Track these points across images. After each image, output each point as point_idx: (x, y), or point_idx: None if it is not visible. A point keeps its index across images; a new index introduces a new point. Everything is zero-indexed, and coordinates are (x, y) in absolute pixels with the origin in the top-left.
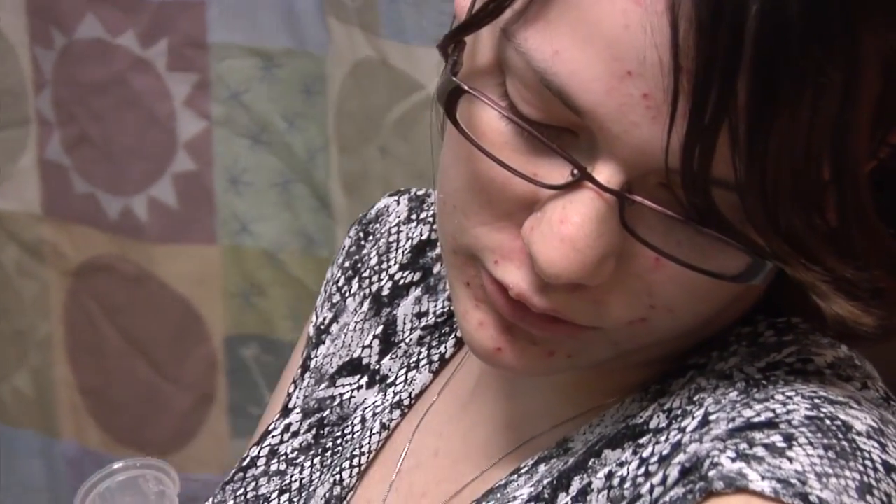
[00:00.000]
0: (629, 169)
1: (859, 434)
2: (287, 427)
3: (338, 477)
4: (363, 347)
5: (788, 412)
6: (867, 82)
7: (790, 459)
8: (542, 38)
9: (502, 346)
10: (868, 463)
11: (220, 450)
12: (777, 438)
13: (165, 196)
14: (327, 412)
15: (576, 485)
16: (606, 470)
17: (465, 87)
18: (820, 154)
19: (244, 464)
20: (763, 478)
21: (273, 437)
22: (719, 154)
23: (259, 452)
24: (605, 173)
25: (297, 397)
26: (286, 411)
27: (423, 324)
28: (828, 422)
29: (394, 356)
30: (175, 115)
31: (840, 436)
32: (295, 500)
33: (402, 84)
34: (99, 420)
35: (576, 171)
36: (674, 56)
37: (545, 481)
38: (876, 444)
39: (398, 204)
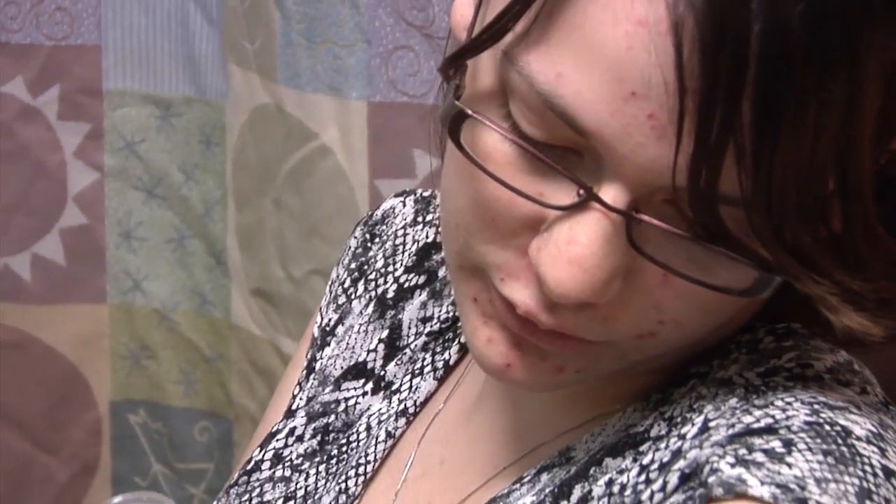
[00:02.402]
0: (635, 188)
1: (859, 439)
2: (292, 431)
3: (343, 485)
4: (368, 351)
5: (788, 418)
6: (869, 95)
7: (789, 465)
8: (545, 60)
9: (511, 362)
10: (868, 468)
11: None
12: (776, 444)
13: (52, 253)
14: (332, 418)
15: (577, 493)
16: (607, 478)
17: (469, 112)
18: (824, 168)
19: (248, 467)
20: (762, 483)
21: (278, 440)
22: (725, 172)
23: (263, 456)
24: (611, 193)
25: (302, 399)
26: (290, 413)
27: (427, 329)
28: (827, 427)
29: (399, 362)
30: (65, 166)
31: (839, 441)
32: None
33: (296, 132)
34: None
35: (582, 192)
36: (678, 77)
37: (547, 490)
38: (875, 449)
39: (404, 206)
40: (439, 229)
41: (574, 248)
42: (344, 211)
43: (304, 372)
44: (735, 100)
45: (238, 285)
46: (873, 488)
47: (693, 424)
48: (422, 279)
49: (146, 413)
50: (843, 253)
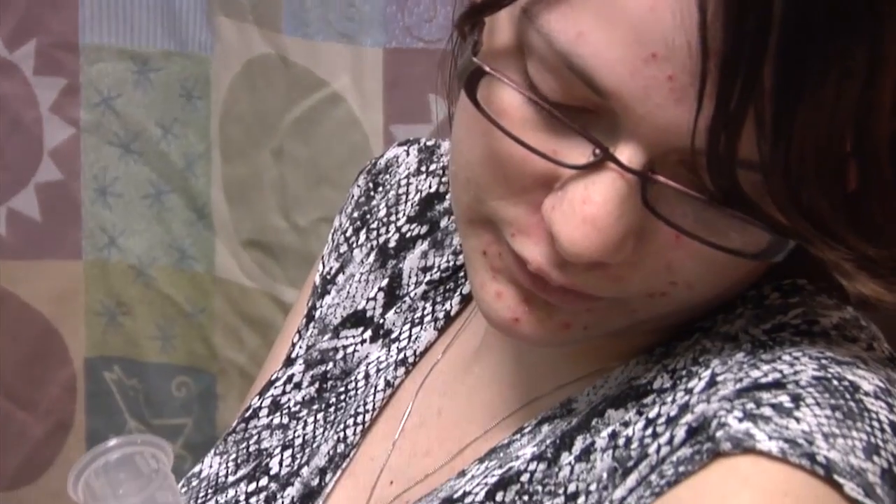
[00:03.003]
0: (651, 149)
1: (867, 394)
2: (290, 378)
3: (341, 434)
4: (368, 300)
5: (796, 373)
6: (890, 62)
7: (797, 420)
8: (566, 19)
9: (520, 316)
10: (875, 423)
11: None
12: (784, 399)
13: (27, 208)
14: (330, 365)
15: (579, 444)
16: (610, 430)
17: (487, 69)
18: (843, 133)
19: (247, 414)
20: (770, 438)
21: (276, 387)
22: (744, 136)
23: (261, 403)
24: (628, 153)
25: (301, 347)
26: (289, 362)
27: (428, 278)
28: (835, 382)
29: (398, 310)
30: (41, 121)
31: (847, 396)
32: (298, 456)
33: (303, 82)
34: None
35: (598, 152)
36: (702, 39)
37: (548, 441)
38: (883, 405)
39: (408, 155)
40: (444, 180)
41: (589, 208)
42: (357, 158)
43: (304, 320)
44: (757, 65)
45: (224, 238)
46: (881, 444)
47: (700, 379)
48: (424, 229)
49: (121, 370)
50: (859, 218)
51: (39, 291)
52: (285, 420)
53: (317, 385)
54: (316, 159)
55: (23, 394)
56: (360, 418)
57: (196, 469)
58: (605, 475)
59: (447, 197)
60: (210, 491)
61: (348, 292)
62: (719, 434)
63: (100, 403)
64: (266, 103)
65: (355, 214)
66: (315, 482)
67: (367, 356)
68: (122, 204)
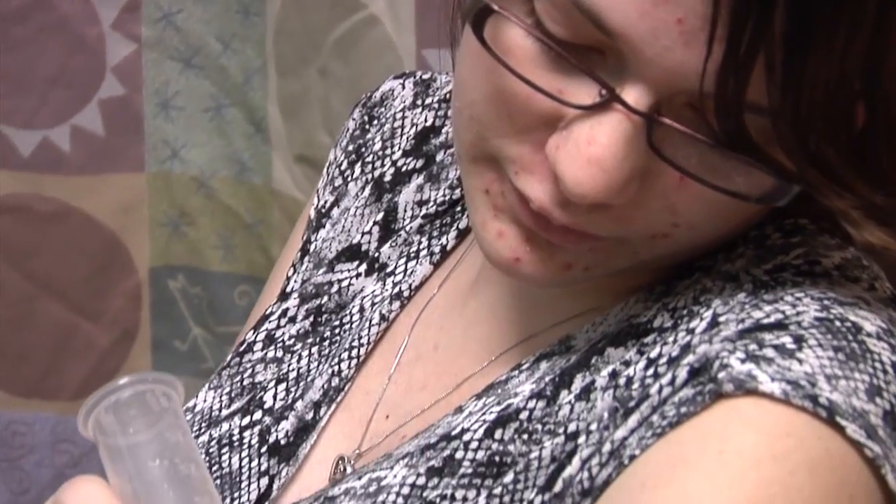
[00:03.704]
0: (658, 91)
1: (869, 335)
2: (284, 312)
3: (336, 368)
4: (363, 233)
5: (798, 313)
6: None
7: (800, 361)
8: None
9: (521, 256)
10: (878, 365)
11: None
12: (787, 340)
13: (91, 124)
14: (325, 299)
15: (578, 382)
16: (610, 368)
17: (495, 7)
18: (852, 78)
19: (241, 349)
20: (773, 379)
21: (270, 321)
22: (753, 80)
23: (256, 337)
24: (634, 95)
25: (296, 281)
26: (284, 295)
27: (423, 212)
28: (838, 323)
29: (393, 244)
30: (103, 38)
31: (850, 337)
32: (292, 389)
33: (344, 2)
34: None
35: (604, 92)
36: None
37: (547, 378)
38: (886, 346)
39: (403, 88)
40: (440, 114)
41: (594, 149)
42: None
43: (299, 254)
44: (768, 9)
45: (280, 152)
46: (883, 385)
47: (702, 319)
48: (419, 163)
49: (185, 278)
50: (867, 164)
51: (104, 205)
52: (279, 354)
53: (311, 319)
54: (355, 79)
55: (89, 305)
56: (354, 352)
57: (190, 403)
58: (605, 415)
59: (443, 131)
60: (204, 425)
61: (343, 226)
62: (721, 375)
63: (165, 312)
64: (313, 22)
65: (350, 148)
66: (309, 416)
67: (361, 290)
68: (184, 117)
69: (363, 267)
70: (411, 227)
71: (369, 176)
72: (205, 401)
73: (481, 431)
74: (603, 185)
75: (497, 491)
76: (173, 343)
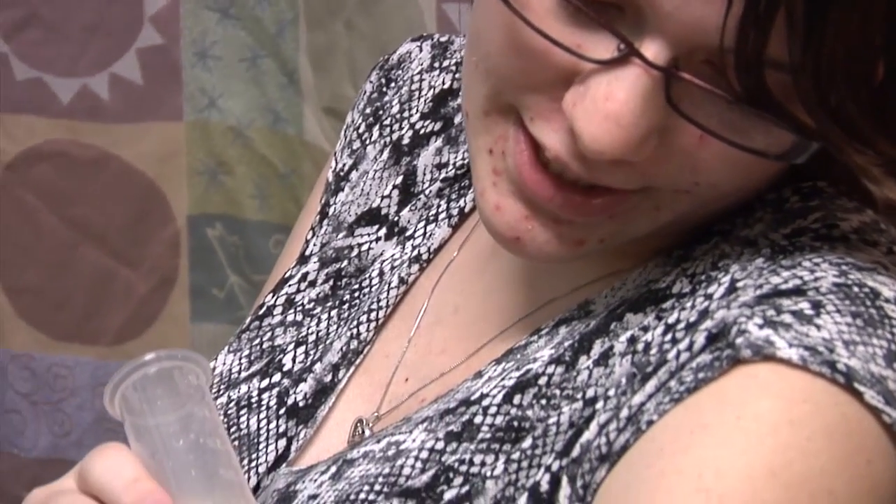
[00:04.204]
0: (677, 46)
1: (887, 301)
2: (304, 276)
3: (355, 331)
4: (382, 197)
5: (816, 279)
6: None
7: (818, 327)
8: None
9: (521, 235)
10: None
11: (180, 335)
12: (805, 305)
13: (129, 72)
14: (345, 263)
15: (597, 348)
16: (629, 334)
17: None
18: (874, 33)
19: (260, 312)
20: (791, 345)
21: (290, 285)
22: (774, 35)
23: (276, 301)
24: (653, 50)
25: (315, 245)
26: (303, 259)
27: (442, 175)
28: (856, 289)
29: (413, 208)
30: None
31: (868, 303)
32: (311, 352)
33: None
34: (30, 319)
35: (622, 47)
36: None
37: (566, 343)
38: None
39: (420, 51)
40: (457, 76)
41: (611, 105)
42: (413, 33)
43: (318, 217)
44: None
45: (310, 104)
46: None
47: (720, 284)
48: (437, 126)
49: (223, 226)
50: (888, 121)
51: (142, 153)
52: (299, 317)
53: (331, 283)
54: (377, 33)
55: (128, 252)
56: (373, 315)
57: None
58: (623, 380)
59: (461, 93)
60: (223, 387)
61: (362, 189)
62: (739, 341)
63: (203, 259)
64: None
65: (368, 111)
66: (328, 378)
67: (381, 254)
68: (221, 67)
69: (383, 231)
70: (430, 191)
71: (388, 139)
72: (224, 363)
73: (500, 397)
74: (620, 141)
75: (515, 456)
76: (211, 290)
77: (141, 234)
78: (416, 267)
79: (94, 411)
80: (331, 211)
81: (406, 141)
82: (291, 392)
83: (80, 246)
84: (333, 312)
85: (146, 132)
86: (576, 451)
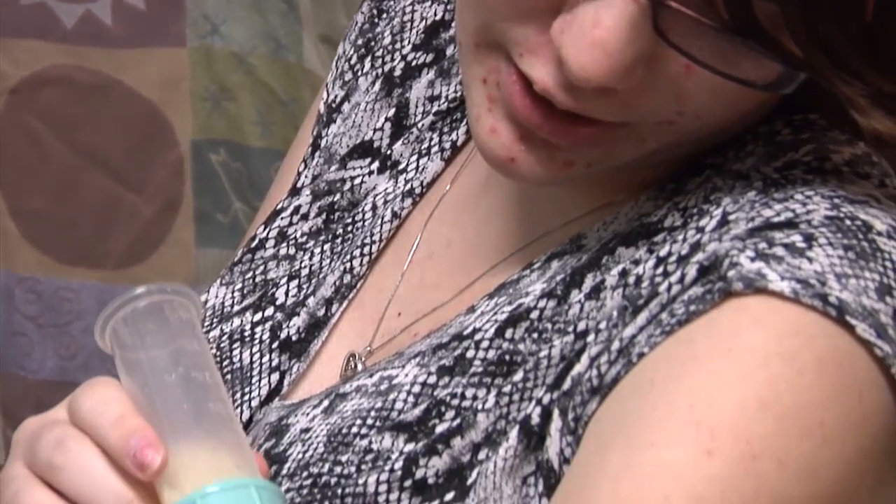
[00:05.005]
0: None
1: (879, 234)
2: (297, 209)
3: (348, 265)
4: (374, 130)
5: (808, 212)
6: None
7: (810, 260)
8: None
9: (515, 155)
10: (888, 264)
11: (185, 260)
12: (797, 238)
13: None
14: (337, 196)
15: (589, 282)
16: (620, 267)
17: None
18: None
19: (253, 245)
20: (782, 278)
21: (282, 218)
22: None
23: (268, 234)
24: None
25: (307, 177)
26: (295, 191)
27: (435, 108)
28: (848, 222)
29: (405, 141)
30: None
31: (860, 236)
32: (304, 286)
33: None
34: (36, 242)
35: None
36: None
37: (558, 278)
38: None
39: None
40: (449, 7)
41: (598, 32)
42: None
43: (310, 149)
44: None
45: (308, 31)
46: (893, 284)
47: (711, 217)
48: (430, 57)
49: (226, 152)
50: (877, 52)
51: (146, 78)
52: (292, 251)
53: (324, 216)
54: None
55: (132, 176)
56: (366, 249)
57: (201, 298)
58: (615, 313)
59: (453, 25)
60: (215, 320)
61: (354, 121)
62: (731, 273)
63: (207, 185)
64: None
65: (359, 42)
66: (321, 312)
67: (374, 187)
68: None
69: (375, 164)
70: (423, 125)
71: (379, 70)
72: (216, 296)
73: (492, 331)
74: (607, 68)
75: (506, 389)
76: (216, 216)
77: (145, 159)
78: (408, 201)
79: None
80: (322, 143)
81: (398, 73)
82: (284, 326)
83: (85, 170)
84: (326, 246)
85: (150, 58)
86: (567, 384)
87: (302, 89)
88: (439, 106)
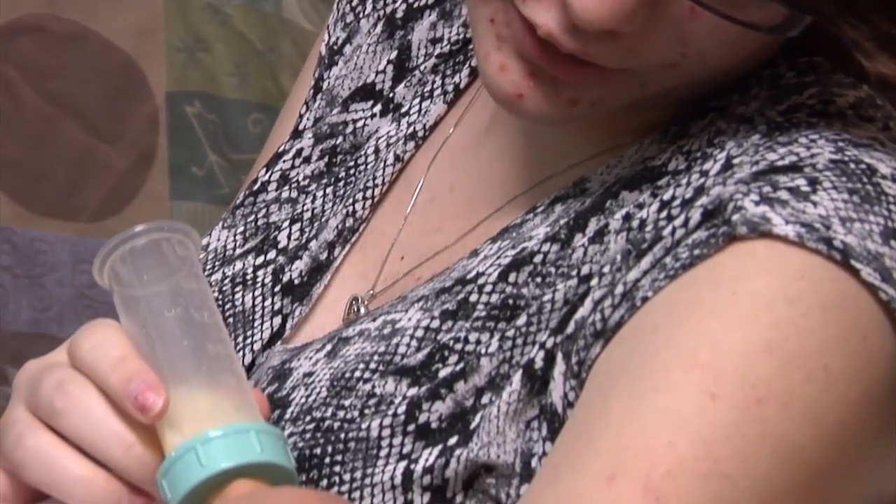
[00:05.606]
0: None
1: (884, 177)
2: (299, 152)
3: (350, 208)
4: (377, 72)
5: (813, 156)
6: None
7: (814, 203)
8: None
9: (524, 92)
10: (893, 207)
11: (159, 213)
12: (801, 182)
13: None
14: (340, 139)
15: (592, 226)
16: (624, 211)
17: None
18: None
19: (254, 188)
20: (787, 222)
21: (284, 161)
22: None
23: (270, 177)
24: None
25: (308, 119)
26: (297, 134)
27: (437, 51)
28: (852, 165)
29: (408, 84)
30: None
31: (865, 180)
32: (306, 229)
33: None
34: (10, 193)
35: None
36: None
37: (562, 221)
38: None
39: None
40: None
41: None
42: None
43: (312, 91)
44: None
45: None
46: None
47: (715, 161)
48: None
49: (201, 104)
50: None
51: (120, 28)
52: (294, 194)
53: (326, 159)
54: None
55: (107, 128)
56: (369, 192)
57: (203, 241)
58: (618, 257)
59: None
60: (217, 263)
61: (356, 64)
62: (735, 217)
63: (182, 137)
64: None
65: None
66: (323, 256)
67: (376, 130)
68: None
69: (378, 107)
70: (425, 67)
71: (381, 12)
72: (218, 239)
73: (496, 275)
74: (610, 10)
75: (510, 333)
76: (191, 168)
77: (120, 109)
78: (411, 144)
79: (74, 287)
80: (324, 85)
81: (400, 14)
82: (287, 269)
83: (59, 120)
84: (329, 189)
85: (124, 7)
86: (570, 328)
87: (280, 39)
88: (442, 48)
